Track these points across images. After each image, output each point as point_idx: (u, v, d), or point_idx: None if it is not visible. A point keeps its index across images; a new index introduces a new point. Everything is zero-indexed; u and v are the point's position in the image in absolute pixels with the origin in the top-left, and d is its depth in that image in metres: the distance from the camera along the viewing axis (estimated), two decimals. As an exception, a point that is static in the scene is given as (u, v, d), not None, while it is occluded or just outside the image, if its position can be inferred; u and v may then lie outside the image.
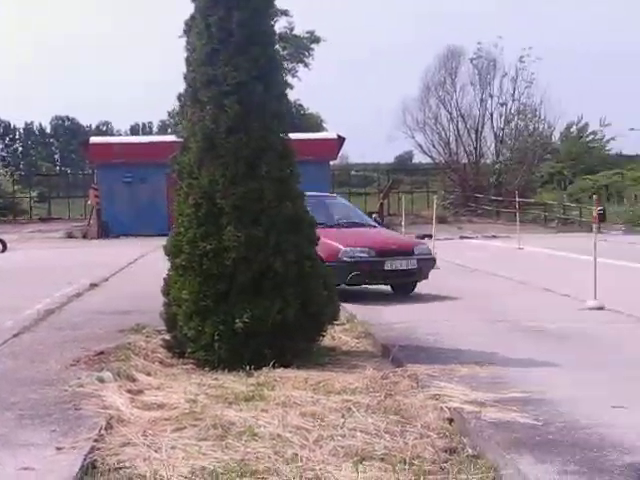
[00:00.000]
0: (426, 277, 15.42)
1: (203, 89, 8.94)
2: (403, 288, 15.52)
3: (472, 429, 6.49)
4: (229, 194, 8.70)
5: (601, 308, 13.13)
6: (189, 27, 9.26)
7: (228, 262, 8.62)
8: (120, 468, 5.75)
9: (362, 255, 14.70)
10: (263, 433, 6.39)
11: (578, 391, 7.79)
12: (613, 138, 62.90)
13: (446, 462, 5.84)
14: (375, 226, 16.98)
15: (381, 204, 43.71)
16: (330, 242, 14.18)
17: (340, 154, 49.21)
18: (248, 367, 8.42)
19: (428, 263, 15.47)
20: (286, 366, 8.52)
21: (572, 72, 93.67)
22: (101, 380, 8.08)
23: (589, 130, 62.44)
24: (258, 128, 8.85)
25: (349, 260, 14.50)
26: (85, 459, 5.82)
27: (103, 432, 6.46)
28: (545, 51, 74.56)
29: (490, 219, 47.47)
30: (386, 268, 14.75)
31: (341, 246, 14.63)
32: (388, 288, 15.89)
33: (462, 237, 35.25)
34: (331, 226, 15.65)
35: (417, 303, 14.24)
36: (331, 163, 44.25)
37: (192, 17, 9.21)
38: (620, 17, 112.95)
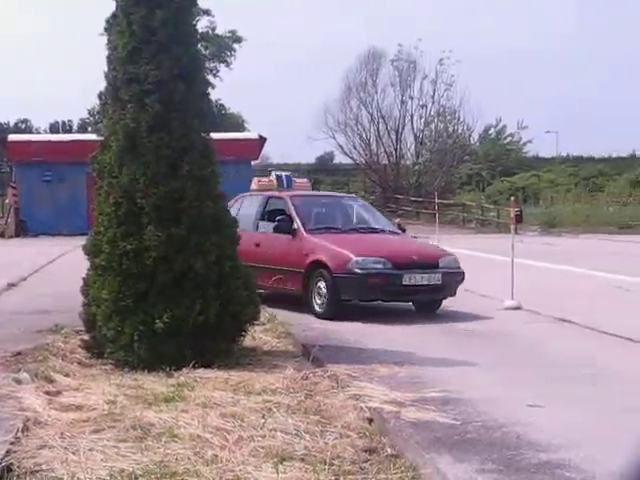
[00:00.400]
0: (453, 294, 13.25)
1: (124, 88, 8.86)
2: (426, 306, 13.38)
3: (391, 429, 6.55)
4: (150, 193, 8.63)
5: (518, 308, 13.35)
6: (110, 25, 9.18)
7: (148, 262, 8.56)
8: (37, 471, 5.66)
9: (376, 266, 12.56)
10: (183, 434, 6.36)
11: (496, 390, 7.92)
12: (530, 141, 64.01)
13: (366, 462, 5.88)
14: (397, 233, 14.61)
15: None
16: (340, 250, 12.84)
17: (261, 154, 49.14)
18: (168, 368, 8.37)
19: (455, 277, 13.16)
20: (207, 366, 8.49)
21: (490, 75, 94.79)
22: (18, 381, 7.95)
23: (507, 132, 63.37)
24: (179, 127, 8.81)
25: (360, 272, 12.46)
26: (0, 462, 5.72)
27: (19, 434, 6.35)
28: (464, 54, 75.45)
29: (410, 220, 47.76)
30: (405, 283, 12.54)
31: (352, 255, 12.63)
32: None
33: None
34: (344, 231, 13.97)
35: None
36: (252, 163, 44.15)
37: (114, 15, 9.14)
38: (537, 20, 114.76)
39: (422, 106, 54.29)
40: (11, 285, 16.73)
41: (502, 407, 7.20)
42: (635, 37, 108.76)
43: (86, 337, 9.25)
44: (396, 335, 10.98)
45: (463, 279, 13.28)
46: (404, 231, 15.15)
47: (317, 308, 12.82)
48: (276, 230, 13.62)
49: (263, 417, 6.79)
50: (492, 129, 62.68)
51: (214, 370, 8.43)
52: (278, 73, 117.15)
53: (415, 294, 12.94)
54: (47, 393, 7.60)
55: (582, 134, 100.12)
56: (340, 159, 63.92)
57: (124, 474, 5.52)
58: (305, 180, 17.36)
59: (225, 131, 42.89)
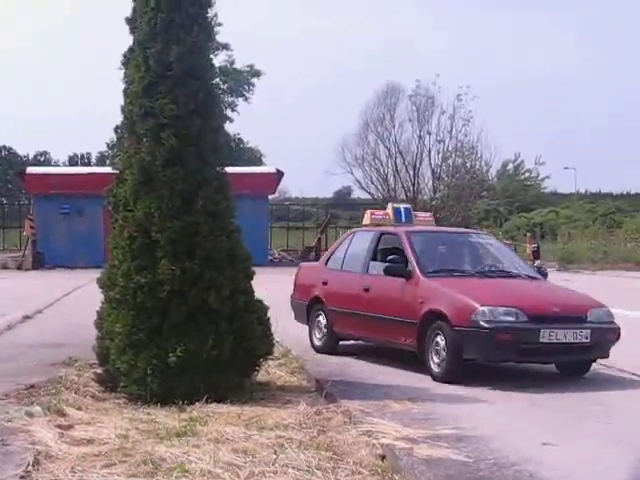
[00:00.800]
0: (605, 355, 10.82)
1: (140, 121, 8.91)
2: (571, 369, 11.03)
3: (404, 466, 6.50)
4: (164, 228, 8.65)
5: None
6: (127, 59, 9.26)
7: (162, 296, 8.57)
8: (47, 505, 5.65)
9: (507, 319, 10.18)
10: (194, 469, 6.32)
11: (510, 428, 7.88)
12: (548, 176, 64.02)
13: (377, 499, 5.85)
14: (536, 278, 11.96)
15: (319, 239, 43.90)
16: (462, 297, 10.56)
17: (279, 188, 49.28)
18: (181, 402, 8.35)
19: (608, 334, 10.68)
20: (219, 401, 8.46)
21: (508, 111, 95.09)
22: (30, 415, 7.94)
23: (525, 168, 63.39)
24: (195, 161, 8.84)
25: (487, 325, 10.09)
26: (11, 496, 5.71)
27: (30, 468, 6.33)
28: (483, 89, 75.58)
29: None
30: (543, 340, 10.12)
31: (477, 304, 10.27)
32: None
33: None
34: (470, 275, 11.57)
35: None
36: (270, 197, 44.29)
37: (131, 49, 9.23)
38: (555, 58, 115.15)
39: (440, 141, 54.20)
40: (26, 317, 16.76)
41: (515, 445, 7.15)
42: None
43: (99, 370, 9.25)
44: (411, 371, 10.87)
45: (619, 337, 10.78)
46: (545, 276, 12.39)
47: (434, 368, 10.47)
48: (387, 272, 11.53)
49: (275, 453, 6.75)
50: (510, 164, 62.75)
51: (227, 405, 8.40)
52: (297, 108, 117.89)
53: (556, 354, 10.50)
54: (59, 427, 7.59)
55: (600, 170, 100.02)
56: (358, 194, 63.97)
57: (134, 509, 5.50)
58: (428, 214, 14.95)
59: (243, 165, 43.08)
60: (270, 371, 10.18)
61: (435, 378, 10.35)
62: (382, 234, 12.56)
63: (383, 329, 11.59)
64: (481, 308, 10.20)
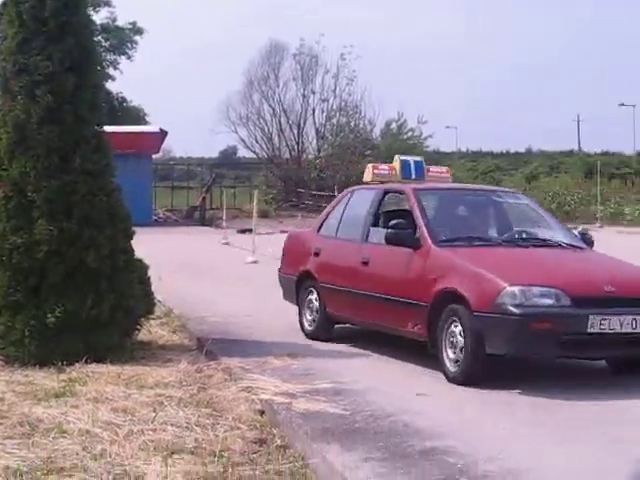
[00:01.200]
0: None
1: (14, 78, 8.75)
2: (628, 365, 8.55)
3: (282, 420, 6.61)
4: (41, 187, 8.53)
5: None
6: (0, 14, 9.05)
7: (39, 256, 8.45)
8: None
9: (544, 301, 7.86)
10: (72, 429, 6.31)
11: (386, 381, 8.06)
12: (431, 135, 64.76)
13: (255, 453, 5.93)
14: (580, 247, 9.44)
15: (203, 198, 43.70)
16: (485, 273, 8.21)
17: (163, 148, 48.81)
18: (60, 363, 8.29)
19: None
20: (99, 361, 8.42)
21: (391, 71, 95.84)
22: None
23: (408, 127, 64.05)
24: (72, 120, 8.72)
25: (517, 310, 7.75)
26: None
27: None
28: (367, 50, 75.94)
29: (312, 213, 48.01)
30: (591, 329, 7.77)
31: (504, 282, 7.94)
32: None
33: (283, 231, 35.47)
34: (496, 244, 9.23)
35: (230, 297, 14.07)
36: (153, 157, 43.80)
37: (4, 4, 9.02)
38: (434, 20, 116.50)
39: (324, 100, 54.56)
40: None
41: (391, 397, 7.32)
42: (527, 36, 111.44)
43: (-24, 333, 9.09)
44: (292, 329, 10.88)
45: None
46: (591, 244, 9.72)
47: (449, 366, 8.18)
48: (389, 240, 9.17)
49: (154, 411, 6.79)
50: (394, 124, 63.27)
51: (107, 365, 8.36)
52: (182, 66, 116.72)
53: (609, 348, 8.07)
54: None
55: (481, 130, 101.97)
56: (243, 153, 63.97)
57: (9, 471, 5.45)
58: (445, 169, 11.84)
59: (126, 124, 42.44)
60: (152, 330, 10.16)
61: (450, 379, 8.13)
62: (386, 192, 10.23)
63: (385, 312, 9.27)
64: (510, 288, 7.88)
